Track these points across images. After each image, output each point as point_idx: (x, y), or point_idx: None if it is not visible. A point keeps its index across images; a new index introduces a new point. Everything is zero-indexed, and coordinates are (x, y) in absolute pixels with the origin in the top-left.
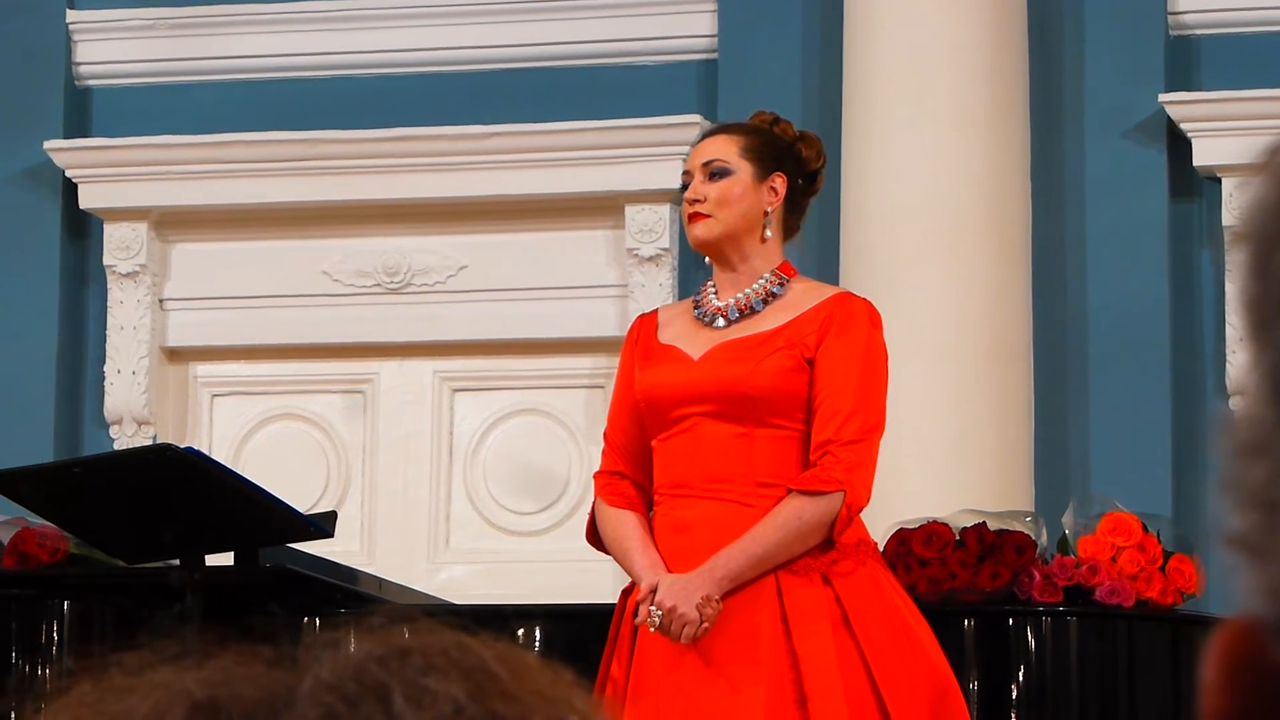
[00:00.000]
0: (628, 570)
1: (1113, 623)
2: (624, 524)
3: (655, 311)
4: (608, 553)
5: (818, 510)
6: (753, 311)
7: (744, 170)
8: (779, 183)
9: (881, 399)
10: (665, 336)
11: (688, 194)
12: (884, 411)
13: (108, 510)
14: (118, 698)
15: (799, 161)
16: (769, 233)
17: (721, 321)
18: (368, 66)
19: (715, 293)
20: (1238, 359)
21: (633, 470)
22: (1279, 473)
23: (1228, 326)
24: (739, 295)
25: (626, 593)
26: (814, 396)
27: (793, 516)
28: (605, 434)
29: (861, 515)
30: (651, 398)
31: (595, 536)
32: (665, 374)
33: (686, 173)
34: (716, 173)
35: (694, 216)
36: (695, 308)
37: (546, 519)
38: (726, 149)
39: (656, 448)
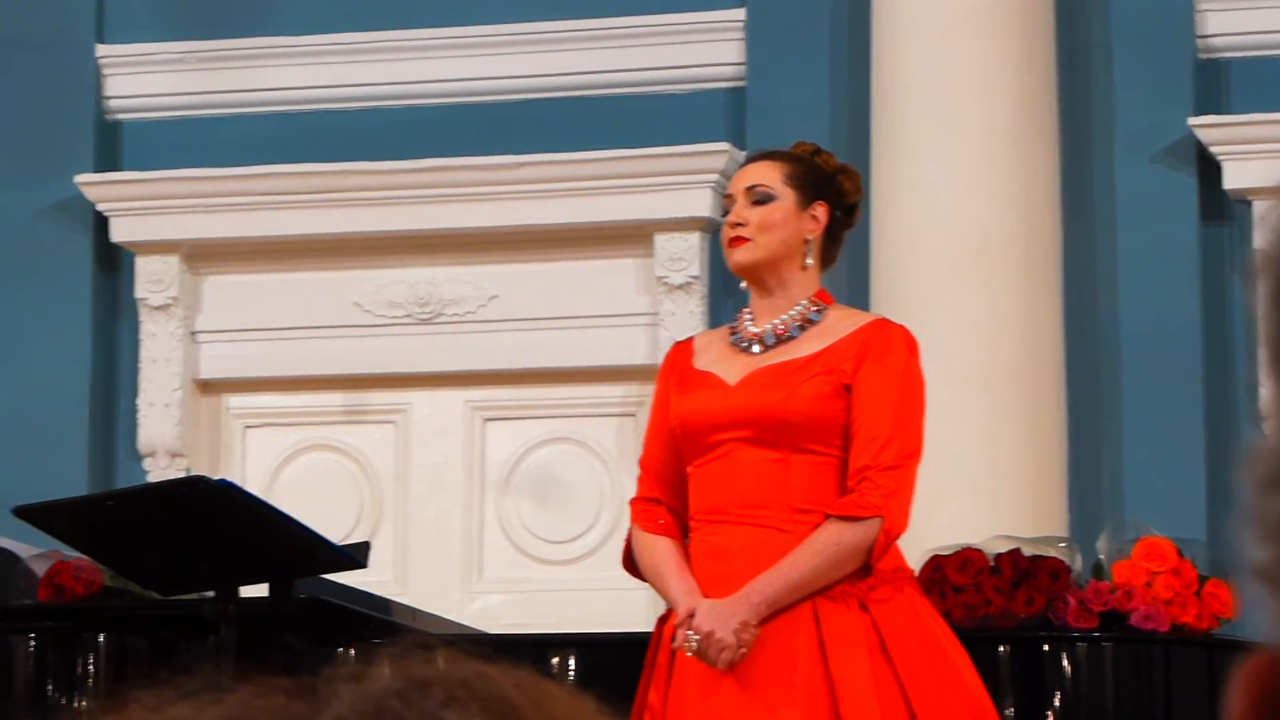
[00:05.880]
0: (664, 596)
1: (1148, 648)
2: (660, 550)
3: (691, 339)
4: (643, 579)
5: (855, 536)
6: (790, 338)
7: (787, 197)
8: (820, 211)
9: (919, 425)
10: (701, 363)
11: (730, 217)
12: (921, 438)
13: (142, 542)
14: None
15: (839, 193)
16: (809, 260)
17: (758, 348)
18: (397, 98)
19: (752, 319)
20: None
21: (668, 497)
22: None
23: (1260, 350)
24: (776, 321)
25: (663, 620)
26: (851, 422)
27: (830, 542)
28: (641, 460)
29: (898, 542)
30: (688, 424)
31: (631, 563)
32: (701, 400)
33: (728, 197)
34: (760, 198)
35: (735, 240)
36: (732, 334)
37: (579, 547)
38: (770, 175)
39: (692, 474)
